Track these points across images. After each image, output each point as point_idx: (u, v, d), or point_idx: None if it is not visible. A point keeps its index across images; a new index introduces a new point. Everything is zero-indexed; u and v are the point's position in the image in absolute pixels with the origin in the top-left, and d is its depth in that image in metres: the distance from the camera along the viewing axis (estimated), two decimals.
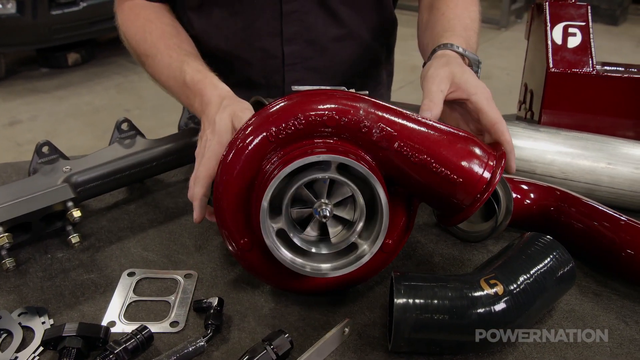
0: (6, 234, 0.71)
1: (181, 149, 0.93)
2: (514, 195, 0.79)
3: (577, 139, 0.87)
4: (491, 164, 0.65)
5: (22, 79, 4.77)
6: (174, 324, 0.68)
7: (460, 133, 0.66)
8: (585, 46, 0.98)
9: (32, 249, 0.81)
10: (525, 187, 0.80)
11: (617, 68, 0.98)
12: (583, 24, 0.99)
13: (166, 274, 0.76)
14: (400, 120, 0.64)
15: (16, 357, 0.63)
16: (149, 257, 0.79)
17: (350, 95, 0.64)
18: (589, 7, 1.00)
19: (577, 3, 1.01)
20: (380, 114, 0.64)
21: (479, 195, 0.64)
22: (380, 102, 0.65)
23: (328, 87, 0.66)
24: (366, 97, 0.64)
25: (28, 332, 0.67)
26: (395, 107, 0.65)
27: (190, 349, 0.62)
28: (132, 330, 0.63)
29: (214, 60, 0.91)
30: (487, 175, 0.64)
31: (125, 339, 0.62)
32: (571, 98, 0.97)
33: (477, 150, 0.65)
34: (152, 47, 0.92)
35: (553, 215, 0.78)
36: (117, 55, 5.15)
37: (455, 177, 0.64)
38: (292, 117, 0.63)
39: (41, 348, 0.64)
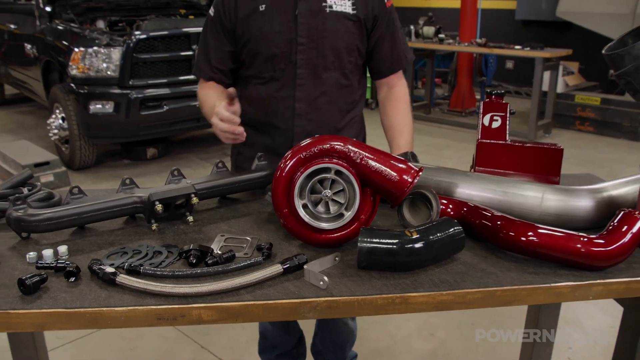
0: (159, 205, 1.33)
1: (247, 180, 1.56)
2: (442, 206, 1.36)
3: (488, 178, 1.44)
4: (413, 173, 1.24)
5: (107, 167, 5.61)
6: (246, 253, 1.26)
7: (399, 158, 1.27)
8: (503, 128, 1.58)
9: (167, 222, 1.42)
10: (446, 201, 1.38)
11: (520, 143, 1.56)
12: (503, 114, 1.59)
13: (238, 235, 1.35)
14: (365, 152, 1.25)
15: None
16: (230, 230, 1.39)
17: (342, 138, 1.26)
18: (509, 105, 1.61)
19: (502, 102, 1.62)
20: (356, 148, 1.25)
21: (405, 189, 1.23)
22: (357, 142, 1.26)
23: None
24: (348, 139, 1.26)
25: (171, 250, 1.26)
26: (363, 144, 1.26)
27: (252, 258, 1.20)
28: (222, 249, 1.22)
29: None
30: (410, 179, 1.23)
31: (222, 254, 1.21)
32: (492, 159, 1.56)
33: (405, 167, 1.25)
34: (205, 99, 1.71)
35: (464, 215, 1.35)
36: (187, 152, 5.99)
37: (392, 178, 1.23)
38: (312, 147, 1.25)
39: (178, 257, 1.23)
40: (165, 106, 5.12)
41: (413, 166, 1.27)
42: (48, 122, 5.44)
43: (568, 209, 1.38)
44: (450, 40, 7.46)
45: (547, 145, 1.55)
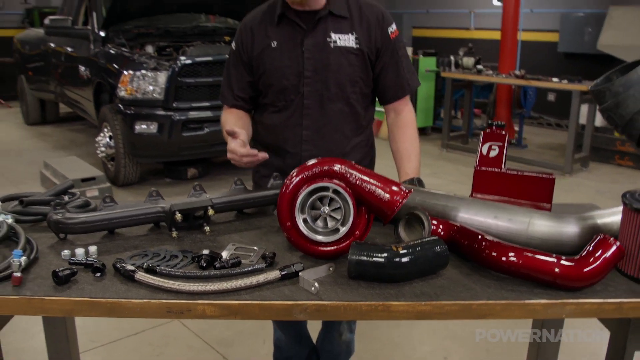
0: (179, 215, 1.50)
1: (260, 197, 1.71)
2: (433, 226, 1.48)
3: (480, 203, 1.56)
4: (402, 194, 1.37)
5: (150, 185, 5.87)
6: (251, 260, 1.41)
7: (391, 180, 1.40)
8: (500, 157, 1.69)
9: (186, 231, 1.59)
10: (436, 222, 1.50)
11: (516, 172, 1.67)
12: (501, 144, 1.71)
13: (247, 245, 1.50)
14: (361, 174, 1.39)
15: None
16: (241, 241, 1.54)
17: (340, 161, 1.40)
18: (507, 135, 1.72)
19: (501, 133, 1.74)
20: (353, 170, 1.39)
21: (395, 208, 1.36)
22: (353, 164, 1.40)
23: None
24: (347, 162, 1.40)
25: (186, 254, 1.42)
26: (358, 166, 1.40)
27: (255, 265, 1.34)
28: (231, 256, 1.37)
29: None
30: (399, 199, 1.36)
31: (229, 260, 1.36)
32: (488, 185, 1.67)
33: (396, 188, 1.38)
34: (225, 123, 1.91)
35: (453, 236, 1.46)
36: (226, 173, 6.21)
37: (383, 198, 1.36)
38: (314, 168, 1.40)
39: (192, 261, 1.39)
40: (206, 128, 5.35)
41: (402, 188, 1.40)
42: (96, 140, 5.76)
43: (553, 234, 1.48)
44: (490, 72, 7.55)
45: (540, 174, 1.65)
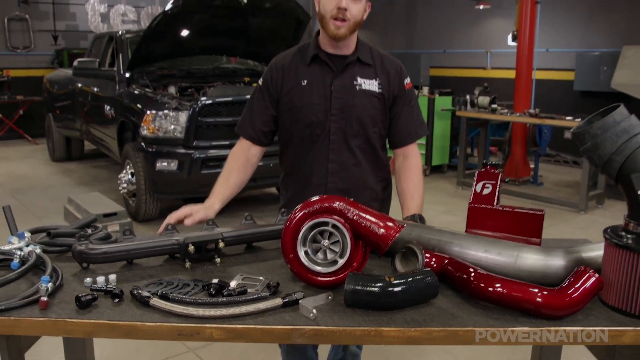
0: (193, 247, 1.63)
1: (268, 231, 1.84)
2: (426, 259, 1.59)
3: (472, 238, 1.66)
4: (395, 229, 1.49)
5: None
6: (257, 289, 1.52)
7: (385, 216, 1.52)
8: (492, 194, 1.80)
9: (199, 262, 1.71)
10: (429, 255, 1.61)
11: (509, 208, 1.78)
12: (494, 182, 1.82)
13: (254, 275, 1.62)
14: (358, 210, 1.51)
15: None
16: (249, 272, 1.66)
17: (339, 198, 1.53)
18: (500, 173, 1.83)
19: (494, 172, 1.85)
20: (351, 207, 1.51)
21: (388, 242, 1.48)
22: (354, 202, 1.52)
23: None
24: (346, 199, 1.52)
25: (197, 283, 1.54)
26: (358, 204, 1.52)
27: (261, 293, 1.46)
28: (239, 285, 1.49)
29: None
30: (392, 233, 1.48)
31: (236, 289, 1.48)
32: (481, 221, 1.77)
33: (391, 224, 1.50)
34: (225, 166, 2.14)
35: (445, 267, 1.57)
36: (244, 210, 6.33)
37: (378, 232, 1.48)
38: (316, 204, 1.52)
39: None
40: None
41: (396, 224, 1.51)
42: (119, 176, 5.96)
43: (540, 267, 1.57)
44: (505, 110, 7.66)
45: (530, 210, 1.76)
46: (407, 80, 2.17)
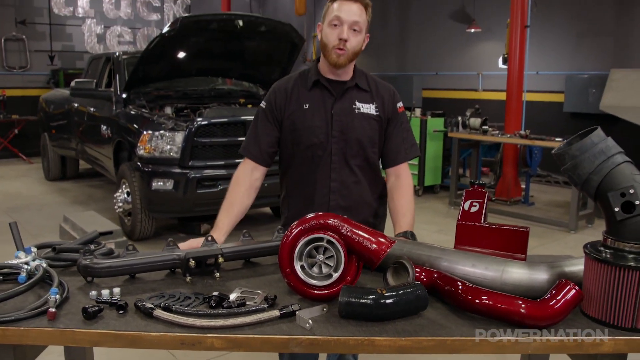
0: (193, 262, 1.70)
1: (265, 247, 1.91)
2: (417, 273, 1.67)
3: (460, 253, 1.74)
4: (386, 245, 1.57)
5: (164, 239, 6.01)
6: (255, 302, 1.59)
7: (377, 232, 1.60)
8: (480, 212, 1.89)
9: (199, 277, 1.78)
10: (419, 270, 1.68)
11: (496, 225, 1.86)
12: (481, 201, 1.91)
13: (252, 289, 1.69)
14: (352, 227, 1.59)
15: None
16: (247, 286, 1.73)
17: (333, 215, 1.61)
18: (487, 193, 1.92)
19: (481, 191, 1.94)
20: (345, 224, 1.59)
21: (380, 256, 1.56)
22: (345, 218, 1.61)
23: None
24: (340, 216, 1.61)
25: (198, 296, 1.61)
26: (352, 221, 1.60)
27: (259, 305, 1.53)
28: (238, 298, 1.56)
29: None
30: (384, 248, 1.56)
31: (235, 301, 1.55)
32: (469, 238, 1.86)
33: (383, 239, 1.58)
34: (230, 191, 2.19)
35: (434, 281, 1.64)
36: (239, 229, 6.42)
37: (370, 247, 1.56)
38: (312, 221, 1.60)
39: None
40: (219, 186, 5.56)
41: (388, 239, 1.60)
42: (115, 195, 6.01)
43: (525, 281, 1.65)
44: (496, 131, 7.79)
45: (515, 227, 1.84)
46: (400, 104, 2.28)
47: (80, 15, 11.92)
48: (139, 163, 5.58)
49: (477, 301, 1.52)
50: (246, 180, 2.23)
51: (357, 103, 2.20)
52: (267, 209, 6.92)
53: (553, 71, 9.88)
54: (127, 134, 5.96)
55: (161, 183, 5.46)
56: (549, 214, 7.62)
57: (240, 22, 5.84)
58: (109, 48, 12.10)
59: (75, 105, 7.66)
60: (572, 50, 9.63)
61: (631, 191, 1.47)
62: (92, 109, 7.10)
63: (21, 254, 1.73)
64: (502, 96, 8.65)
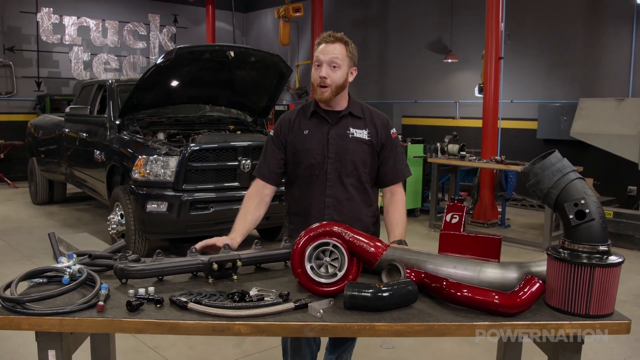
0: (215, 264, 1.97)
1: (276, 254, 2.19)
2: (407, 273, 1.96)
3: (443, 257, 2.04)
4: (382, 248, 1.87)
5: None
6: (271, 298, 1.87)
7: (375, 238, 1.90)
8: (459, 223, 2.20)
9: (218, 280, 2.05)
10: (409, 270, 1.98)
11: (473, 234, 2.17)
12: (460, 213, 2.22)
13: (267, 288, 1.96)
14: (353, 234, 1.89)
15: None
16: (262, 286, 2.01)
17: (337, 224, 1.91)
18: (465, 207, 2.23)
19: (460, 205, 2.25)
20: (347, 231, 1.89)
21: (378, 258, 1.85)
22: (347, 226, 1.91)
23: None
24: (342, 224, 1.90)
25: (222, 294, 1.88)
26: (353, 229, 1.90)
27: (275, 300, 1.81)
28: (256, 294, 1.83)
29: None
30: (380, 251, 1.86)
31: (255, 296, 1.82)
32: (450, 245, 2.16)
33: (379, 244, 1.88)
34: (243, 204, 2.41)
35: (422, 280, 1.94)
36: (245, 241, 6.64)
37: (369, 250, 1.86)
38: (318, 229, 1.90)
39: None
40: (211, 208, 5.81)
41: (384, 244, 1.90)
42: (108, 218, 6.22)
43: (498, 279, 1.96)
44: (473, 157, 8.17)
45: (490, 235, 2.15)
46: (393, 130, 2.60)
47: (67, 43, 12.17)
48: (133, 186, 5.80)
49: (458, 294, 1.81)
50: (258, 195, 2.53)
51: (351, 129, 2.52)
52: (254, 231, 7.17)
53: (526, 100, 10.35)
54: (121, 158, 6.19)
55: (155, 205, 5.67)
56: (524, 235, 7.98)
57: (232, 53, 6.14)
58: (95, 75, 12.34)
59: (66, 130, 7.83)
60: (544, 80, 10.12)
61: (582, 202, 1.79)
62: (84, 134, 7.30)
63: (64, 259, 1.99)
64: (478, 123, 9.05)
